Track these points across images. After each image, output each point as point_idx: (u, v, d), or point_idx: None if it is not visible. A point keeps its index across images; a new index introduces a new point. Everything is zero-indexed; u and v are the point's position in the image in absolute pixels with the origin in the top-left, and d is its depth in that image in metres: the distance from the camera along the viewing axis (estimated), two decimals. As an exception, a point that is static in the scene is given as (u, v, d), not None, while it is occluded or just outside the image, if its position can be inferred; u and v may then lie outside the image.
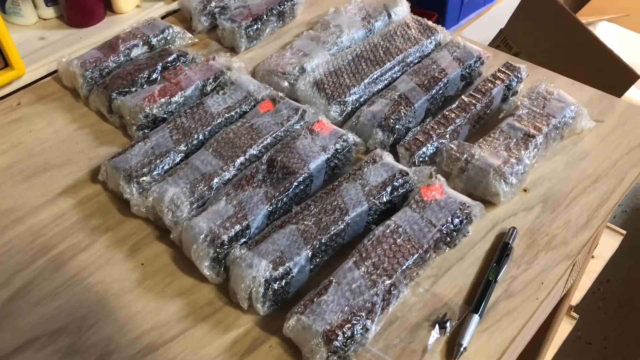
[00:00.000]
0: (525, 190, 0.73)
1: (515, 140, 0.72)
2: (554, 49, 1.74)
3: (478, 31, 2.03)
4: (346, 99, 0.80)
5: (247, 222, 0.64)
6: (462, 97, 0.78)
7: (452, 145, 0.71)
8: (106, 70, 0.87)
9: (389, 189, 0.67)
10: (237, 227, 0.64)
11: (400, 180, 0.68)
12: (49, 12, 1.01)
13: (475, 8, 1.96)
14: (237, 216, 0.65)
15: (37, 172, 0.77)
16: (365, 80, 0.82)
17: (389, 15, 0.95)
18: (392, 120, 0.76)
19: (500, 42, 1.91)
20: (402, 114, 0.76)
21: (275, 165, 0.70)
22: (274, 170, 0.70)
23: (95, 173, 0.76)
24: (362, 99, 0.81)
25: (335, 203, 0.65)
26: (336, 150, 0.72)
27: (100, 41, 0.94)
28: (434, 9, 1.82)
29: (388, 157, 0.71)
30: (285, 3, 0.98)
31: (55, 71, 0.91)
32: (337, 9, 0.96)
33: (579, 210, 0.70)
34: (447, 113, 0.76)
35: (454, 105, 0.77)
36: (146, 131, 0.79)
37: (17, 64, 0.88)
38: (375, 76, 0.83)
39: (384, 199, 0.66)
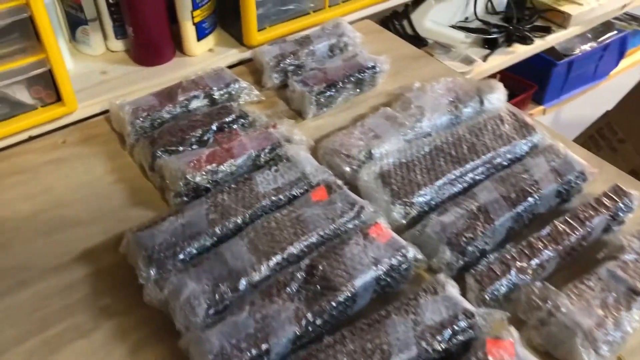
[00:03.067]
0: (619, 359, 0.58)
1: (615, 294, 0.58)
2: (665, 142, 1.54)
3: (580, 108, 1.85)
4: (413, 200, 0.68)
5: (267, 345, 0.53)
6: (555, 222, 0.65)
7: (534, 288, 0.58)
8: (158, 120, 0.80)
9: (446, 334, 0.54)
10: (254, 352, 0.53)
11: (462, 323, 0.55)
12: (118, 45, 0.95)
13: (581, 83, 1.78)
14: (257, 335, 0.54)
15: (60, 227, 0.70)
16: (440, 181, 0.70)
17: (482, 102, 0.82)
18: (464, 239, 0.63)
19: (604, 124, 1.73)
20: (479, 232, 0.64)
21: (315, 274, 0.59)
22: (312, 279, 0.59)
23: (120, 239, 0.68)
24: (432, 203, 0.69)
25: (377, 341, 0.53)
26: (391, 266, 0.60)
27: (163, 83, 0.88)
28: (534, 79, 1.66)
29: (452, 289, 0.58)
30: (366, 71, 0.88)
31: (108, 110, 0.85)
32: (422, 86, 0.85)
33: (689, 403, 0.55)
34: (533, 241, 0.63)
35: (543, 232, 0.63)
36: (185, 198, 0.71)
37: (69, 100, 0.82)
38: (453, 177, 0.70)
39: (439, 347, 0.54)
